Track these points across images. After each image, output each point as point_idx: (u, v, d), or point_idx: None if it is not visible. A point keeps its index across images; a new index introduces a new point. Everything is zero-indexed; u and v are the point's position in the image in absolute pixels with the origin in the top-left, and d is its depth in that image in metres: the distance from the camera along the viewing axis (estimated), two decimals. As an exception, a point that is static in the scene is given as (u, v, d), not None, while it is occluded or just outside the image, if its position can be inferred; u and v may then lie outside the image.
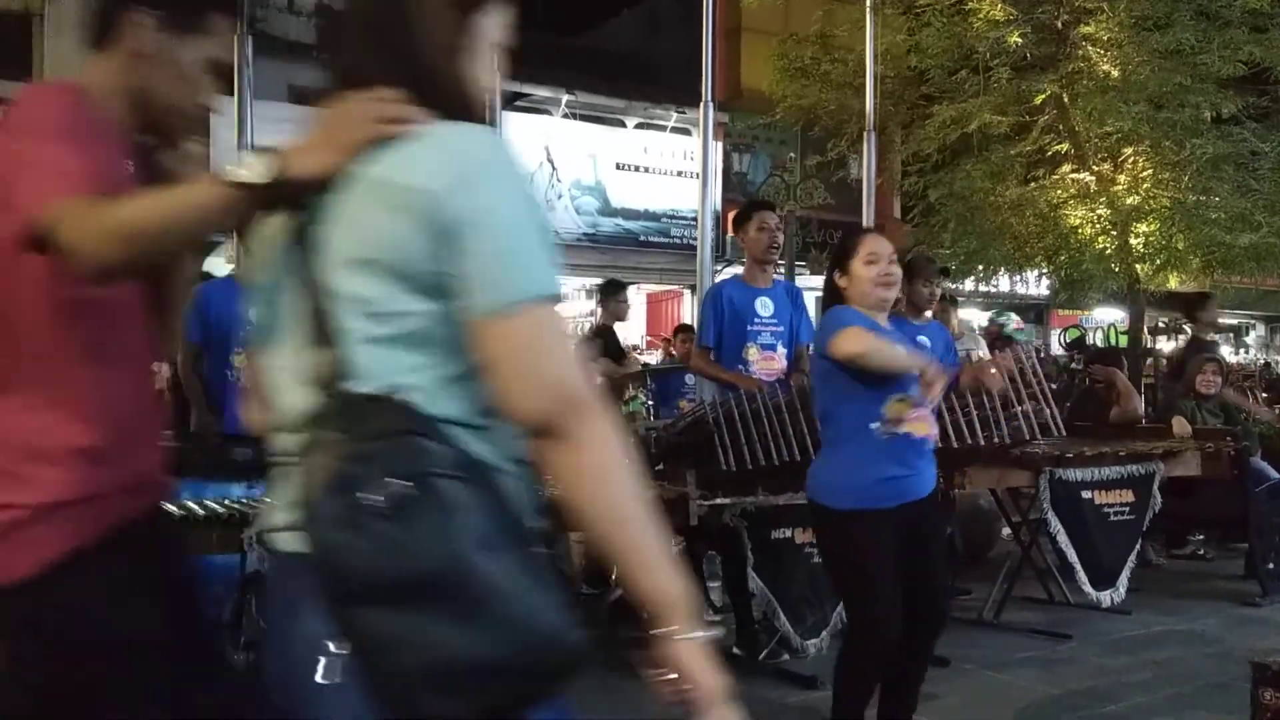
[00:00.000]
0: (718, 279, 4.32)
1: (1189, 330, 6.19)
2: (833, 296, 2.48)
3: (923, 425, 2.37)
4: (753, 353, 3.64)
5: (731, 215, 4.19)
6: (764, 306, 3.68)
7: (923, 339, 3.90)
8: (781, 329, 3.67)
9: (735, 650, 3.47)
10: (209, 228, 1.11)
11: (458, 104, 0.98)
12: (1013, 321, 12.68)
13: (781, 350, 3.68)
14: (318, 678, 0.88)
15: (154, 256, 1.15)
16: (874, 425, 2.31)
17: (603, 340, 5.51)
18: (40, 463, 1.17)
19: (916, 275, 3.84)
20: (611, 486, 0.90)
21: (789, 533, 3.26)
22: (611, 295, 5.82)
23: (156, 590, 1.25)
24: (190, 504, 2.52)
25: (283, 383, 0.98)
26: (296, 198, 0.97)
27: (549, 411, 0.89)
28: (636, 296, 16.26)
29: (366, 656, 0.85)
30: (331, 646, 0.87)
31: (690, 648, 0.91)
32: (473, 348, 0.91)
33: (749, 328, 3.63)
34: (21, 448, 1.18)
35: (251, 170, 1.00)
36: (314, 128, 0.98)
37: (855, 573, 2.38)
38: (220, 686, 1.30)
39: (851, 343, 2.25)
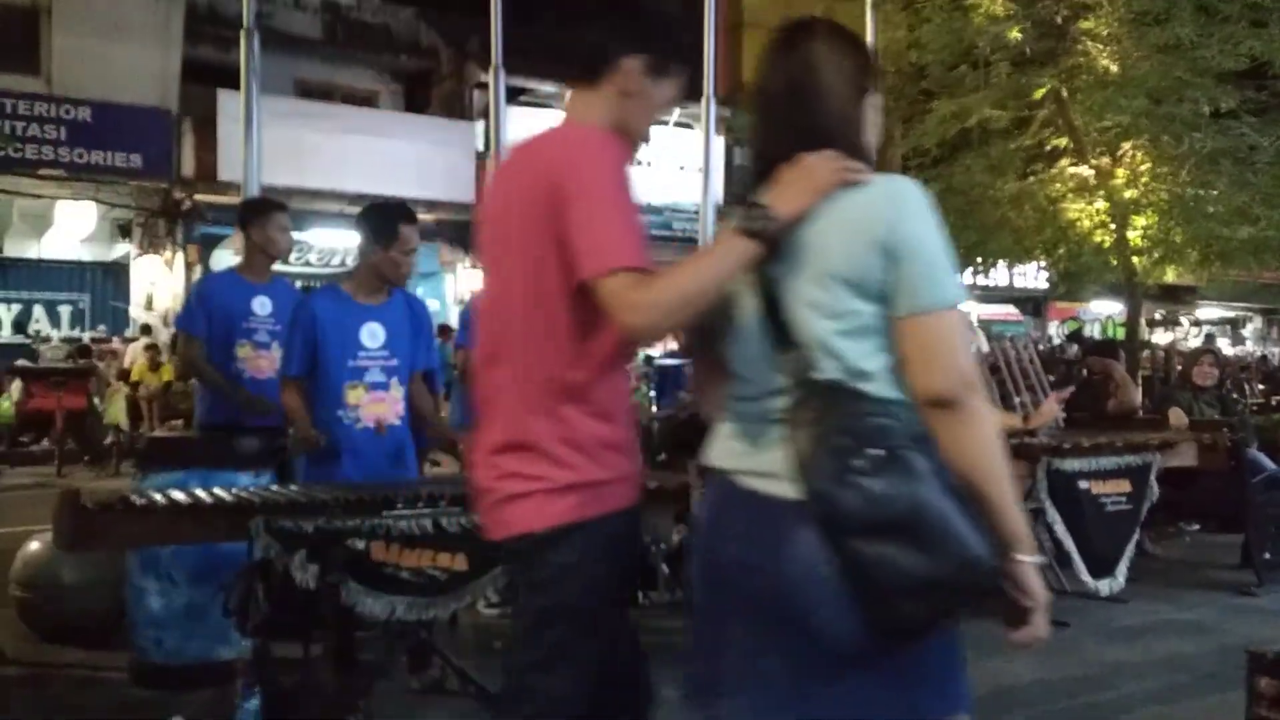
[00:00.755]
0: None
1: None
2: None
3: None
4: None
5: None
6: None
7: None
8: None
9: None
10: (737, 278, 1.31)
11: (866, 161, 1.30)
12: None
13: None
14: (822, 575, 1.19)
15: (695, 315, 1.34)
16: None
17: None
18: (573, 450, 1.44)
19: None
20: (990, 447, 1.22)
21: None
22: None
23: (633, 563, 1.55)
24: (198, 492, 2.55)
25: (745, 373, 1.32)
26: (781, 234, 1.27)
27: (954, 388, 1.21)
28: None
29: (854, 572, 1.17)
30: (825, 561, 1.19)
31: (1030, 568, 1.25)
32: (898, 338, 1.24)
33: None
34: (562, 438, 1.44)
35: (758, 220, 1.27)
36: (783, 181, 1.28)
37: None
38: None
39: None
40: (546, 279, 1.42)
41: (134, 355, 10.53)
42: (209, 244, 11.88)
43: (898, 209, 1.25)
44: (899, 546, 1.16)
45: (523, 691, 1.49)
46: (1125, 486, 4.04)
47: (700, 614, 1.34)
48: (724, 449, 1.34)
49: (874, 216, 1.24)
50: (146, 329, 11.22)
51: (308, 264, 12.51)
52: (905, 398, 1.24)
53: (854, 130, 1.32)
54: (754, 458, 1.29)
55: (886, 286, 1.24)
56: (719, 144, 12.14)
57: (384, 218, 2.95)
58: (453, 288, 13.70)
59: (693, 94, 5.03)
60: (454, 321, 10.78)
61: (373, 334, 2.92)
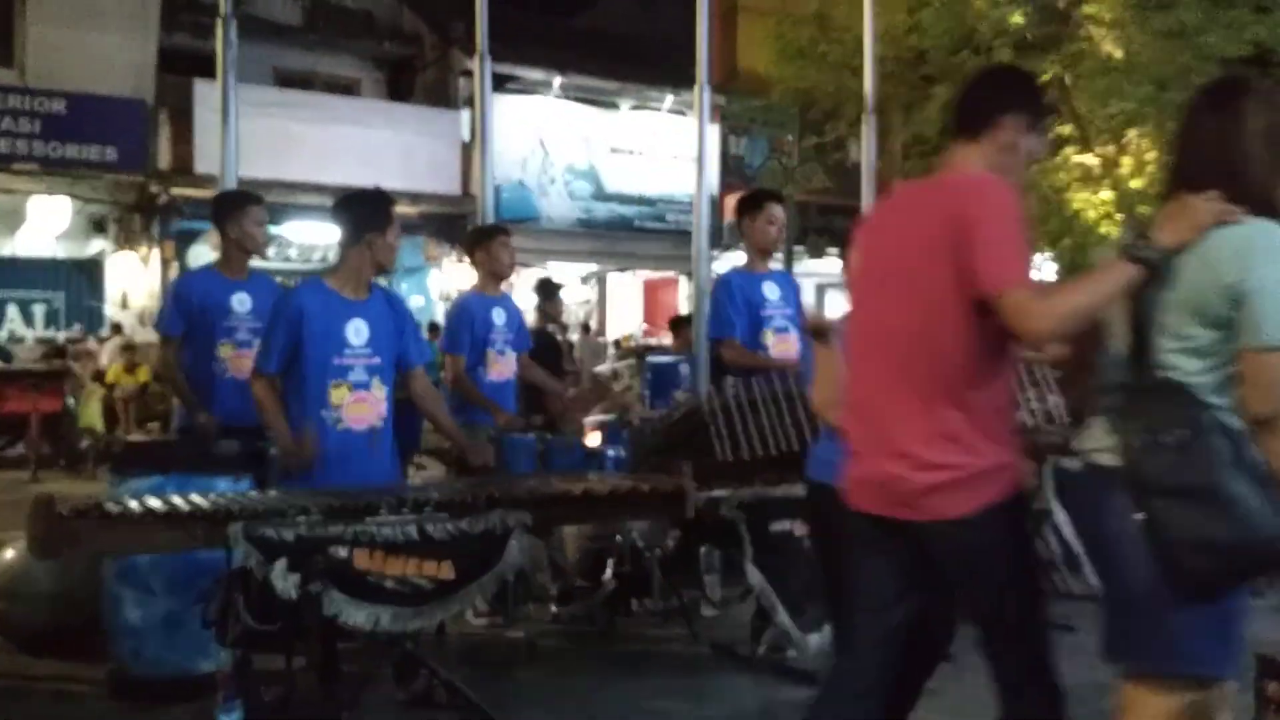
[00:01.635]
0: (714, 265, 4.26)
1: None
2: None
3: None
4: (769, 337, 3.64)
5: (735, 199, 4.12)
6: (771, 291, 3.68)
7: None
8: (790, 311, 3.66)
9: (757, 646, 3.42)
10: (1119, 297, 1.64)
11: (1267, 207, 1.58)
12: None
13: (794, 332, 3.65)
14: (1129, 529, 1.56)
15: (1083, 325, 1.67)
16: None
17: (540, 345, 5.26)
18: (986, 440, 1.75)
19: None
20: None
21: (788, 525, 3.21)
22: (548, 296, 5.63)
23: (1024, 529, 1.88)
24: (175, 499, 2.45)
25: (1109, 374, 1.69)
26: (1161, 263, 1.59)
27: (1274, 412, 1.52)
28: (633, 283, 16.22)
29: (1151, 526, 1.53)
30: (1134, 518, 1.55)
31: None
32: (1234, 362, 1.55)
33: (762, 313, 3.63)
34: (976, 429, 1.75)
35: (1144, 249, 1.60)
36: (1168, 216, 1.61)
37: (819, 542, 2.49)
38: None
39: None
40: (948, 299, 1.72)
41: (109, 355, 10.36)
42: (186, 239, 11.70)
43: (1249, 255, 1.53)
44: (1191, 510, 1.49)
45: (1018, 634, 1.84)
46: (1132, 483, 3.97)
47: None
48: (1085, 436, 1.73)
49: (1227, 259, 1.54)
50: (117, 328, 11.04)
51: (288, 259, 12.34)
52: (1223, 403, 1.56)
53: (1270, 176, 1.61)
54: (1099, 439, 1.68)
55: (1228, 321, 1.54)
56: (713, 133, 12.01)
57: (374, 203, 2.89)
58: (437, 283, 13.56)
59: (686, 81, 4.91)
60: (440, 317, 10.64)
61: (357, 331, 2.84)
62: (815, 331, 2.20)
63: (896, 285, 1.82)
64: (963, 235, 1.69)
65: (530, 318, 4.79)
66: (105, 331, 11.33)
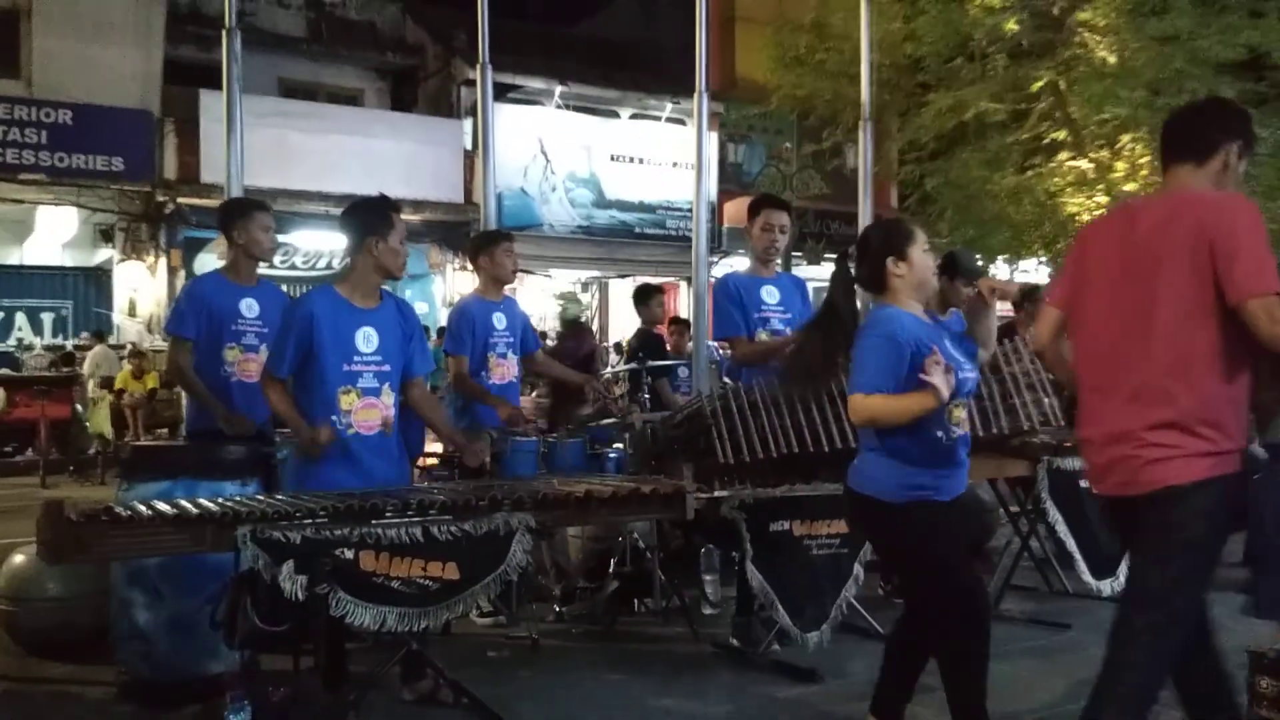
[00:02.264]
0: (714, 270, 4.28)
1: None
2: (877, 283, 2.44)
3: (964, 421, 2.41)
4: (762, 338, 3.64)
5: (733, 205, 4.15)
6: (770, 294, 3.68)
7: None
8: (789, 315, 3.66)
9: (732, 641, 3.46)
10: None
11: None
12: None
13: (790, 333, 3.66)
14: None
15: None
16: (939, 434, 2.31)
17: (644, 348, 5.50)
18: (1209, 427, 1.96)
19: (959, 273, 3.80)
20: None
21: (787, 525, 3.24)
22: (644, 300, 5.97)
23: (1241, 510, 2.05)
24: (183, 502, 2.49)
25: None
26: None
27: None
28: (633, 288, 16.27)
29: None
30: None
31: None
32: None
33: (757, 315, 3.64)
34: (1202, 419, 1.96)
35: None
36: None
37: (929, 558, 2.42)
38: None
39: (860, 413, 2.33)
40: (1195, 303, 1.95)
41: (93, 363, 10.40)
42: (192, 248, 11.77)
43: None
44: None
45: (1156, 605, 2.00)
46: (1128, 483, 3.99)
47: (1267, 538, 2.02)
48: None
49: None
50: (100, 335, 11.08)
51: (294, 267, 12.41)
52: None
53: None
54: None
55: None
56: (712, 140, 12.07)
57: (377, 208, 2.92)
58: (441, 290, 13.63)
59: (685, 89, 4.96)
60: (445, 322, 10.66)
61: (367, 338, 2.86)
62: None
63: (1138, 292, 2.03)
64: (1217, 247, 1.92)
65: (635, 321, 5.09)
66: (113, 339, 11.38)
